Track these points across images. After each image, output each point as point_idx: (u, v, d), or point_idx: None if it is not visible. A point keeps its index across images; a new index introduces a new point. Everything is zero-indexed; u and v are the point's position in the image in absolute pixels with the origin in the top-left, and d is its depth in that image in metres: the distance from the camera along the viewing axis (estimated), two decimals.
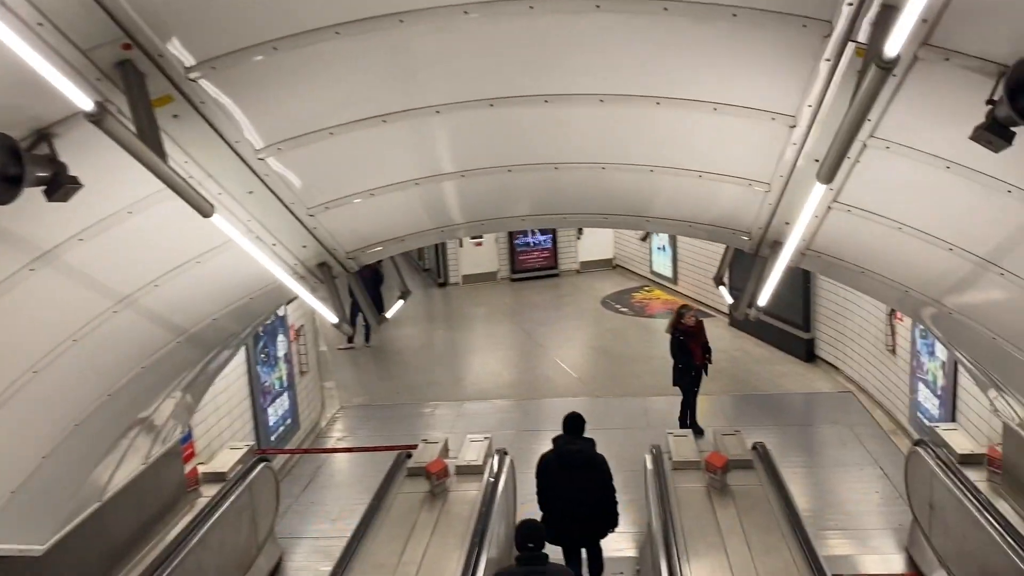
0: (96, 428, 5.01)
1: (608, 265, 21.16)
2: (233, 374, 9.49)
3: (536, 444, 10.92)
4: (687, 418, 11.06)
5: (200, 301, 4.78)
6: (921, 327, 9.81)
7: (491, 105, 3.67)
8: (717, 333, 15.61)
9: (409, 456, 8.29)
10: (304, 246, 4.65)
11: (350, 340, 15.77)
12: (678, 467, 7.84)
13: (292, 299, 5.31)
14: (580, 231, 20.80)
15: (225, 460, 8.38)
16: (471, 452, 8.24)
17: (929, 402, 9.73)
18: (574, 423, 7.24)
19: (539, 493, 7.20)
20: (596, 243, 20.97)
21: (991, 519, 6.51)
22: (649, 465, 8.14)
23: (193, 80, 3.19)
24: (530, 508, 7.45)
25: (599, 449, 7.36)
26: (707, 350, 10.92)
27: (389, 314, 5.92)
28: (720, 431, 8.53)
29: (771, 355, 14.17)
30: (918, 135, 3.33)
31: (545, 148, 4.11)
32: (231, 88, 3.31)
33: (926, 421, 9.80)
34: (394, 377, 14.36)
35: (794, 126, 3.55)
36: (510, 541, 7.28)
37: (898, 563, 8.08)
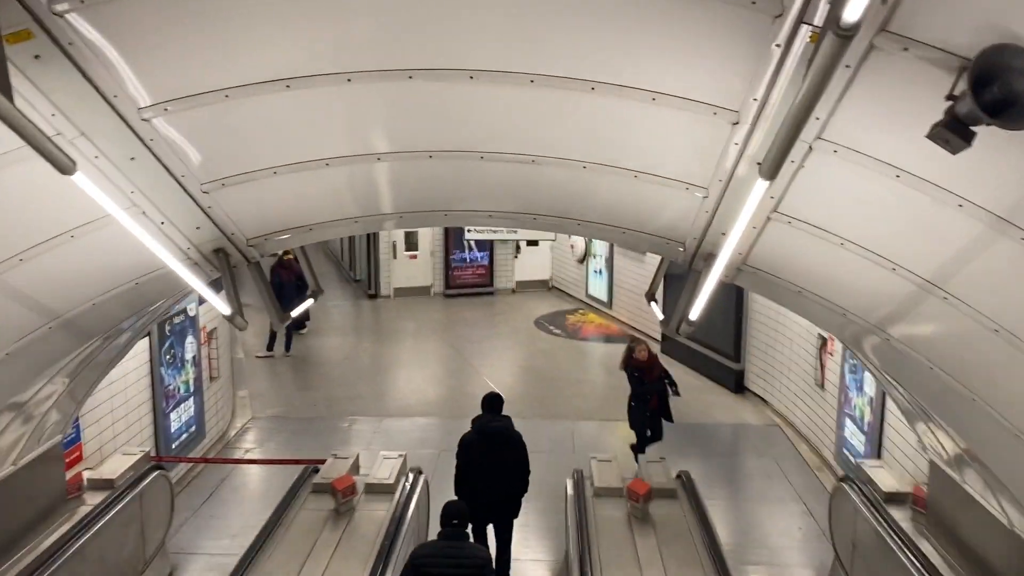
0: None
1: (544, 286, 20.91)
2: (133, 374, 8.85)
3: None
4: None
5: (77, 282, 4.26)
6: (851, 362, 9.72)
7: (410, 77, 3.30)
8: None
9: (316, 471, 7.79)
10: (198, 227, 4.18)
11: (269, 348, 15.13)
12: (600, 494, 7.50)
13: (189, 290, 4.80)
14: (517, 250, 20.53)
15: (115, 466, 7.72)
16: (383, 470, 7.78)
17: (855, 438, 9.63)
18: (493, 401, 7.65)
19: (458, 470, 7.45)
20: (533, 263, 20.72)
21: (913, 559, 6.32)
22: (570, 490, 7.79)
23: (59, 14, 2.74)
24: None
25: None
26: (668, 381, 10.35)
27: (295, 312, 5.44)
28: (645, 459, 8.25)
29: (701, 384, 14.02)
30: (868, 137, 3.07)
31: (471, 133, 3.75)
32: (107, 28, 2.87)
33: (852, 458, 9.69)
34: (313, 389, 13.75)
35: (737, 123, 3.26)
36: None
37: None
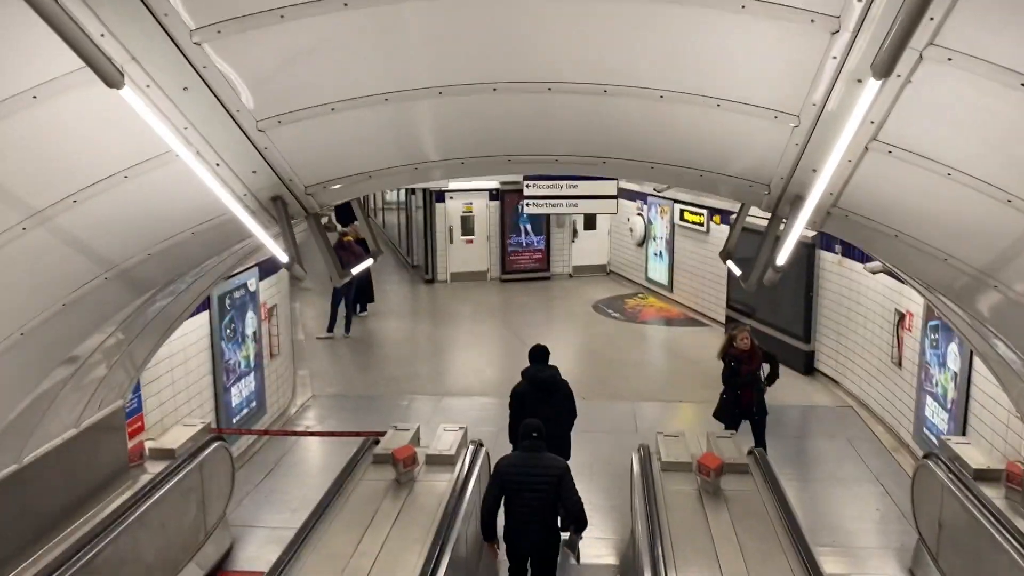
0: (7, 374, 4.36)
1: (602, 271, 20.55)
2: (194, 348, 8.84)
3: None
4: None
5: (131, 229, 4.13)
6: (932, 336, 9.22)
7: None
8: (710, 342, 14.94)
9: (377, 443, 7.64)
10: (254, 171, 4.01)
11: (329, 329, 15.13)
12: (667, 468, 7.20)
13: (245, 240, 4.65)
14: (575, 233, 20.22)
15: (176, 437, 7.71)
16: (443, 441, 7.59)
17: (937, 416, 9.12)
18: (541, 352, 8.21)
19: (512, 418, 7.86)
20: (591, 247, 20.38)
21: (1009, 538, 5.88)
22: (636, 466, 7.50)
23: None
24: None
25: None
26: (771, 373, 9.42)
27: (355, 270, 5.27)
28: (714, 433, 7.90)
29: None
30: (991, 40, 2.72)
31: (537, 59, 3.49)
32: None
33: (933, 437, 9.19)
34: (372, 369, 13.69)
35: (837, 31, 2.94)
36: (480, 542, 6.64)
37: None
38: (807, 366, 13.05)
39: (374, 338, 15.53)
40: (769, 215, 4.41)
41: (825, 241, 12.42)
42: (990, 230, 3.57)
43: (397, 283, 20.37)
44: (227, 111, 3.55)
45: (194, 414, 8.73)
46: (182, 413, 8.52)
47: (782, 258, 4.06)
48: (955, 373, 8.63)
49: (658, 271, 18.24)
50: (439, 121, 3.96)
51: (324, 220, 10.39)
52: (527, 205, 10.31)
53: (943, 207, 3.66)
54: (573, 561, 6.64)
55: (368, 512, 6.49)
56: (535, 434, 6.21)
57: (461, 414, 11.28)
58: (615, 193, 10.30)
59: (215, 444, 7.73)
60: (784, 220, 4.29)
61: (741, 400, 9.22)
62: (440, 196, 19.22)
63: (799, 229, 3.96)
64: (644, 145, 4.08)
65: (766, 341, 13.82)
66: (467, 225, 19.60)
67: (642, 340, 15.57)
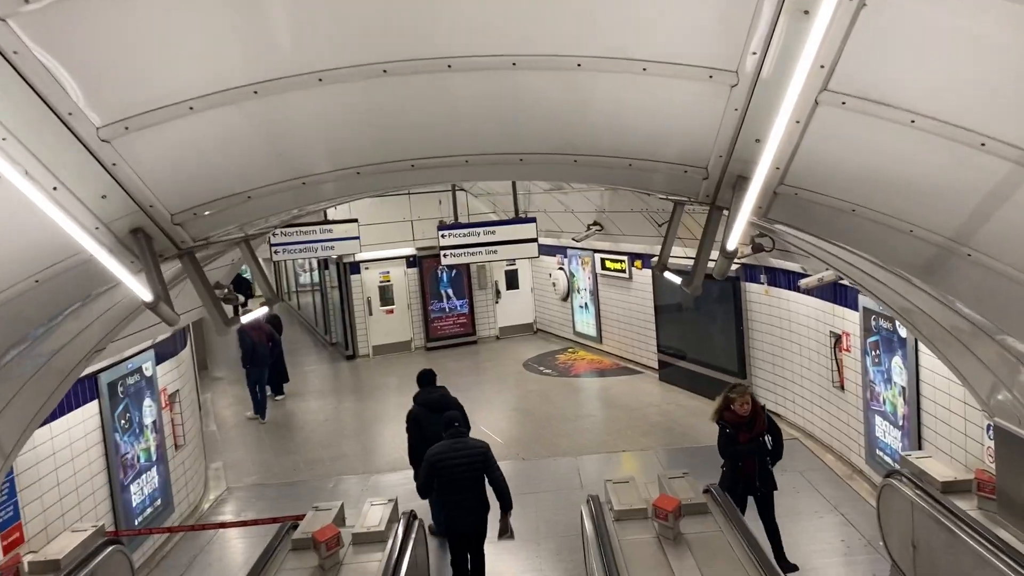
0: None
1: (529, 330, 20.04)
2: (82, 442, 7.84)
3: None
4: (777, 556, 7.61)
5: None
6: (873, 353, 8.93)
7: None
8: (646, 388, 14.60)
9: (295, 527, 6.78)
10: (104, 196, 3.31)
11: (257, 410, 14.18)
12: (621, 517, 6.55)
13: (106, 288, 3.89)
14: (498, 294, 19.72)
15: (62, 546, 6.68)
16: (371, 517, 6.79)
17: (889, 435, 8.77)
18: (428, 376, 9.19)
19: (411, 441, 8.67)
20: (515, 307, 19.89)
21: (994, 550, 5.42)
22: (587, 521, 6.83)
23: None
24: None
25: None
26: (774, 449, 7.76)
27: (245, 319, 4.57)
28: (665, 474, 7.32)
29: (706, 407, 13.02)
30: None
31: (433, 30, 2.95)
32: None
33: (888, 457, 8.81)
34: (293, 453, 12.68)
35: None
36: None
37: None
38: None
39: (294, 421, 14.52)
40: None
41: (749, 273, 12.22)
42: (960, 186, 3.15)
43: (316, 363, 19.38)
44: (57, 115, 2.89)
45: (86, 518, 7.69)
46: (71, 519, 7.47)
47: (732, 242, 3.56)
48: (902, 388, 8.32)
49: (585, 323, 17.83)
50: (324, 119, 3.37)
51: (222, 292, 9.61)
52: (444, 256, 9.74)
53: (905, 167, 3.23)
54: (509, 537, 7.24)
55: None
56: (456, 424, 7.28)
57: (393, 489, 10.40)
58: (534, 236, 9.86)
59: (109, 549, 6.74)
60: (726, 211, 3.82)
61: (742, 471, 7.69)
62: (355, 267, 18.51)
63: (745, 214, 3.48)
64: (564, 132, 3.56)
65: (702, 381, 13.48)
66: (386, 295, 18.88)
67: (576, 393, 15.00)
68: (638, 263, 15.27)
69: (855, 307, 9.28)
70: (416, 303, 19.07)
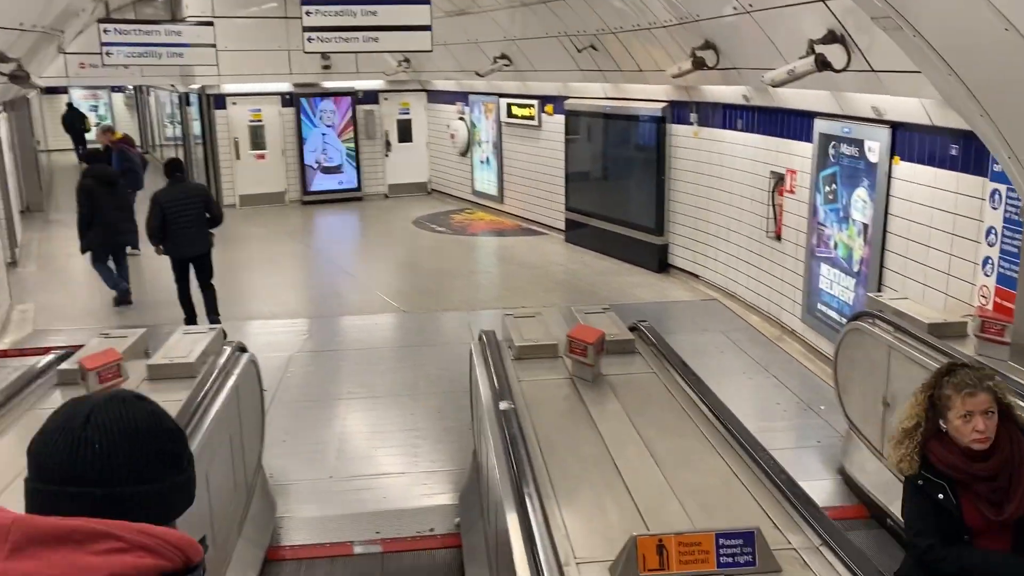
0: None
1: (422, 189, 18.01)
2: None
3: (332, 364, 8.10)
4: None
5: None
6: (827, 189, 7.47)
7: None
8: (550, 248, 13.02)
9: (69, 356, 4.85)
10: None
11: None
12: (523, 355, 4.91)
13: None
14: (388, 146, 17.53)
15: None
16: (178, 348, 4.92)
17: (838, 285, 7.41)
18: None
19: (81, 210, 9.68)
20: (408, 162, 17.73)
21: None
22: (476, 360, 5.13)
23: None
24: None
25: None
26: None
27: None
28: (581, 309, 5.70)
29: (617, 267, 11.65)
30: None
31: None
32: None
33: (832, 312, 7.49)
34: (138, 304, 10.43)
35: None
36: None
37: (832, 488, 5.63)
38: (660, 262, 11.23)
39: (143, 274, 12.21)
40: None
41: (677, 114, 10.56)
42: None
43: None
44: None
45: None
46: None
47: None
48: (864, 225, 6.90)
49: (486, 181, 15.94)
50: None
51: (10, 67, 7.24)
52: (308, 41, 7.60)
53: None
54: None
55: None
56: (179, 173, 8.89)
57: (251, 339, 8.52)
58: (428, 23, 7.78)
59: None
60: None
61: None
62: (220, 101, 15.90)
63: None
64: None
65: (614, 241, 11.96)
66: (257, 137, 16.37)
67: (471, 251, 13.29)
68: (549, 107, 13.40)
69: (808, 138, 7.75)
70: (292, 149, 16.65)
